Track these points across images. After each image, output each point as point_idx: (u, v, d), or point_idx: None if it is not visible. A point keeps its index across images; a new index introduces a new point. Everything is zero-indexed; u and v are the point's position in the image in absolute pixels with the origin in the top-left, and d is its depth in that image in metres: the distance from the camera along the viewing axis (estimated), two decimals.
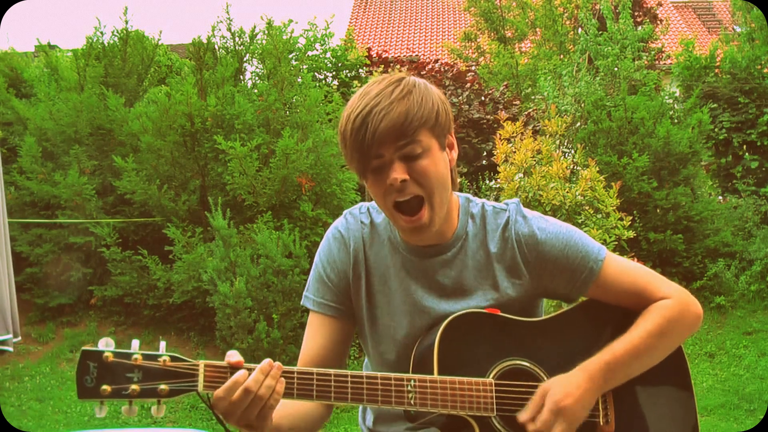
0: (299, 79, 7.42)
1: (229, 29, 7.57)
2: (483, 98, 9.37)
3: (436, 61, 10.64)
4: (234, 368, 1.24)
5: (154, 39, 8.34)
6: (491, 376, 1.39)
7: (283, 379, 1.26)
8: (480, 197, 1.59)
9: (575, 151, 6.93)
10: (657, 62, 11.30)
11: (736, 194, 9.34)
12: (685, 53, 10.48)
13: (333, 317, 1.54)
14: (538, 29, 13.56)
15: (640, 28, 10.74)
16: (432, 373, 1.36)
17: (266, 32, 7.33)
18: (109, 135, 7.29)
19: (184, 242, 6.46)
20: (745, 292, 7.54)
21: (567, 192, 5.62)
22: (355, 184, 6.75)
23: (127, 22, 7.81)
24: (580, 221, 5.55)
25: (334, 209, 6.65)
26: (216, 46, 7.58)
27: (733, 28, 13.96)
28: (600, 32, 10.15)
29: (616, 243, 5.53)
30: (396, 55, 14.91)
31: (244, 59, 7.70)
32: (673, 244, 7.62)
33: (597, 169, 5.98)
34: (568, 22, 13.16)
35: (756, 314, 7.32)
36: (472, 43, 14.53)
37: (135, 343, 1.24)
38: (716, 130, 9.50)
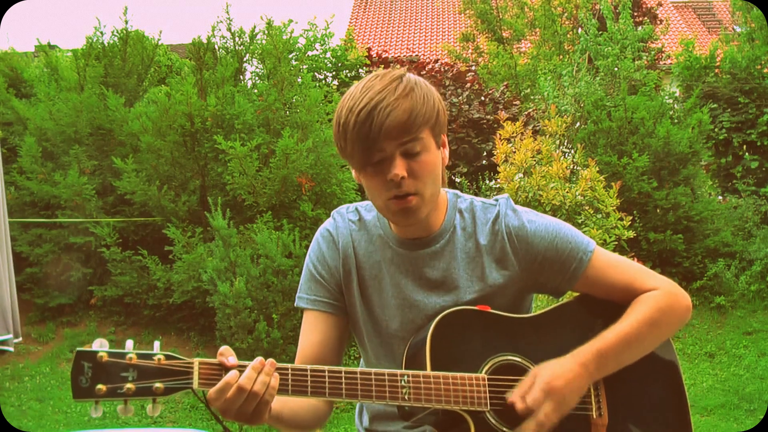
0: (299, 79, 7.42)
1: (229, 29, 7.57)
2: (483, 98, 9.37)
3: (436, 61, 10.64)
4: (228, 369, 1.25)
5: (154, 39, 8.35)
6: (483, 371, 1.40)
7: (277, 374, 1.27)
8: (480, 197, 1.60)
9: (575, 151, 6.93)
10: (657, 62, 11.29)
11: (736, 194, 9.34)
12: (685, 53, 10.47)
13: (328, 313, 1.55)
14: (536, 29, 13.56)
15: (640, 28, 10.74)
16: (424, 369, 1.37)
17: (266, 32, 7.34)
18: (109, 135, 7.30)
19: (184, 242, 6.46)
20: (745, 292, 7.54)
21: (567, 192, 5.62)
22: (355, 184, 6.75)
23: (127, 22, 7.82)
24: (580, 221, 5.55)
25: (333, 209, 6.64)
26: (216, 46, 7.59)
27: (733, 28, 13.96)
28: (600, 32, 10.15)
29: (616, 243, 5.52)
30: (396, 55, 14.92)
31: (244, 59, 7.70)
32: (673, 244, 7.62)
33: (597, 169, 5.98)
34: (567, 22, 13.16)
35: (756, 314, 7.32)
36: (471, 44, 14.54)
37: (129, 343, 1.25)
38: (716, 130, 9.50)
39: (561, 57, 11.88)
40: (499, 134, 6.09)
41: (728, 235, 8.00)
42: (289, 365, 1.30)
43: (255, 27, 7.61)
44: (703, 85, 9.80)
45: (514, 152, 5.80)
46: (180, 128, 6.66)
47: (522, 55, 13.39)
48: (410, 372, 1.35)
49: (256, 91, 7.41)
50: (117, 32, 7.87)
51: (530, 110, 9.08)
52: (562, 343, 1.45)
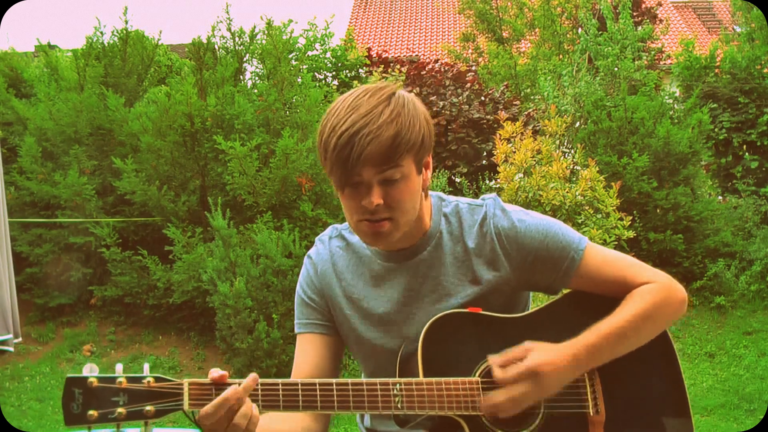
0: (299, 79, 7.42)
1: (229, 29, 7.57)
2: (483, 98, 9.37)
3: (436, 61, 10.64)
4: (218, 384, 1.25)
5: (154, 39, 8.34)
6: (477, 374, 1.39)
7: (250, 404, 1.26)
8: (466, 198, 1.59)
9: (575, 151, 6.93)
10: (657, 62, 11.30)
11: (736, 194, 9.34)
12: (685, 53, 10.47)
13: (320, 334, 1.56)
14: (536, 29, 13.57)
15: (639, 28, 10.74)
16: (417, 377, 1.36)
17: (266, 32, 7.33)
18: (109, 135, 7.29)
19: (184, 242, 6.46)
20: (745, 292, 7.54)
21: (567, 192, 5.62)
22: None
23: (127, 22, 7.81)
24: (580, 221, 5.55)
25: (334, 209, 6.65)
26: (216, 46, 7.58)
27: (733, 28, 13.97)
28: (600, 32, 10.16)
29: (616, 243, 5.53)
30: (396, 55, 14.92)
31: (244, 59, 7.69)
32: (673, 244, 7.62)
33: (597, 169, 5.98)
34: (566, 22, 13.16)
35: (756, 314, 7.32)
36: (471, 44, 14.54)
37: (119, 367, 1.25)
38: (716, 130, 9.50)
39: (561, 57, 11.89)
40: (499, 134, 6.09)
41: (728, 235, 8.00)
42: (279, 380, 1.29)
43: (255, 27, 7.60)
44: (703, 85, 9.80)
45: (514, 152, 5.80)
46: (180, 128, 6.66)
47: (522, 55, 13.39)
48: (402, 380, 1.35)
49: (256, 91, 7.41)
50: (117, 32, 7.86)
51: (530, 110, 9.08)
52: (556, 341, 1.44)
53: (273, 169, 6.45)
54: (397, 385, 1.33)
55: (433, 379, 1.35)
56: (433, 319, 1.41)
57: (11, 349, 3.89)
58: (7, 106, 7.68)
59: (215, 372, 1.26)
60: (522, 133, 6.04)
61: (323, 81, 9.99)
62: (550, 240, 1.47)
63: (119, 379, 1.22)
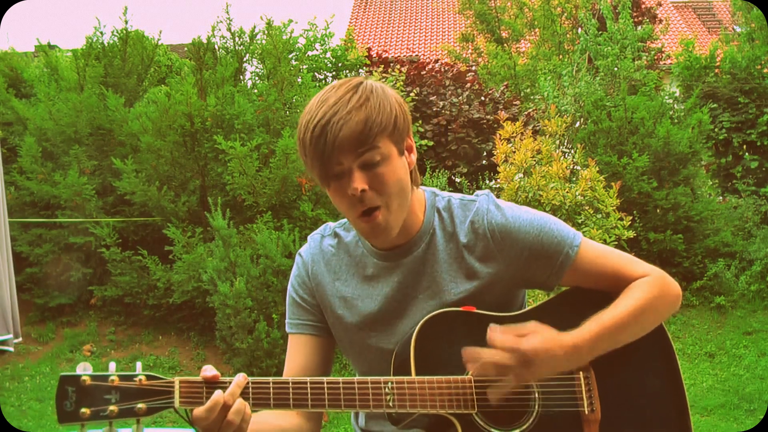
0: (299, 79, 7.42)
1: (229, 29, 7.57)
2: (483, 98, 9.37)
3: (436, 61, 10.64)
4: (210, 383, 1.26)
5: (154, 39, 8.34)
6: (470, 373, 1.38)
7: (245, 403, 1.27)
8: (459, 194, 1.58)
9: (575, 151, 6.93)
10: (657, 62, 11.29)
11: (736, 194, 9.34)
12: (685, 53, 10.47)
13: (311, 335, 1.56)
14: (536, 29, 13.57)
15: (639, 28, 10.74)
16: (410, 375, 1.36)
17: (266, 32, 7.33)
18: (109, 135, 7.30)
19: (184, 242, 6.46)
20: (745, 292, 7.54)
21: (567, 192, 5.62)
22: None
23: (126, 22, 7.82)
24: (580, 221, 5.55)
25: (334, 209, 6.65)
26: (216, 46, 7.58)
27: (733, 28, 13.97)
28: (600, 32, 10.15)
29: (616, 243, 5.52)
30: (396, 55, 14.92)
31: (244, 59, 7.70)
32: (673, 244, 7.62)
33: (597, 169, 5.98)
34: (566, 22, 13.16)
35: (756, 314, 7.32)
36: (470, 44, 14.54)
37: (112, 366, 1.26)
38: (716, 130, 9.50)
39: (561, 57, 11.89)
40: (499, 134, 6.09)
41: (728, 235, 8.00)
42: (270, 378, 1.29)
43: (255, 27, 7.61)
44: (703, 85, 9.80)
45: (514, 152, 5.80)
46: (180, 128, 6.66)
47: (521, 55, 13.39)
48: (394, 378, 1.34)
49: (256, 91, 7.41)
50: (117, 32, 7.87)
51: (530, 110, 9.08)
52: None
53: (273, 169, 6.45)
54: (389, 383, 1.33)
55: (425, 378, 1.35)
56: (427, 317, 1.40)
57: (11, 349, 3.89)
58: (7, 106, 7.68)
59: (208, 371, 1.27)
60: (522, 133, 6.04)
61: (323, 81, 9.99)
62: (545, 235, 1.46)
63: (111, 378, 1.23)
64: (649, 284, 1.46)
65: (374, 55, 10.92)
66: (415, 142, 1.95)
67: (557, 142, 6.97)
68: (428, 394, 1.34)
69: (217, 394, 1.24)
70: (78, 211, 6.91)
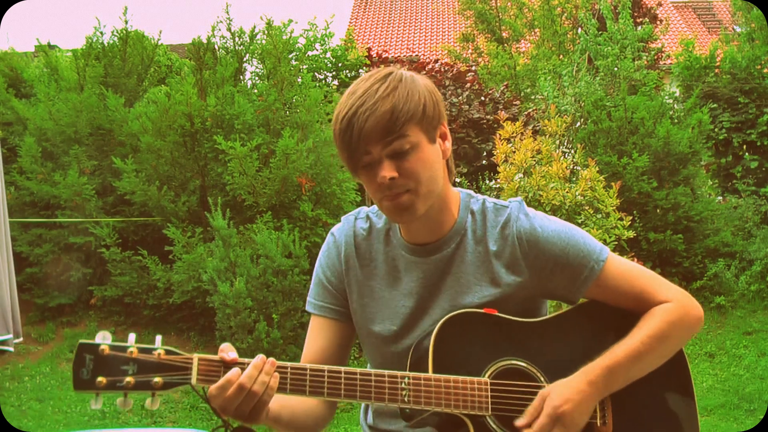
0: (299, 79, 7.42)
1: (229, 29, 7.57)
2: (483, 98, 9.37)
3: (436, 61, 10.64)
4: (228, 365, 1.26)
5: (154, 39, 8.35)
6: (487, 375, 1.38)
7: (277, 374, 1.28)
8: (492, 198, 1.59)
9: (575, 151, 6.92)
10: (657, 62, 11.29)
11: (736, 194, 9.34)
12: (685, 53, 10.47)
13: (333, 320, 1.56)
14: (536, 29, 13.56)
15: (639, 28, 10.73)
16: (426, 372, 1.36)
17: (266, 32, 7.33)
18: (109, 135, 7.30)
19: (184, 242, 6.46)
20: (745, 292, 7.54)
21: (567, 192, 5.62)
22: (354, 184, 6.75)
23: (126, 22, 7.82)
24: (580, 221, 5.55)
25: (334, 209, 6.66)
26: (216, 46, 7.58)
27: (733, 28, 13.96)
28: (600, 32, 10.15)
29: (616, 243, 5.53)
30: (396, 55, 14.93)
31: (244, 59, 7.70)
32: (673, 244, 7.62)
33: (597, 169, 5.98)
34: (566, 22, 13.16)
35: (756, 314, 7.32)
36: (470, 44, 14.54)
37: (131, 337, 1.26)
38: (716, 130, 9.50)
39: (561, 57, 11.89)
40: (499, 134, 6.09)
41: (728, 235, 8.00)
42: (288, 364, 1.30)
43: (255, 27, 7.61)
44: (703, 85, 9.80)
45: (514, 152, 5.80)
46: (180, 128, 6.66)
47: (521, 55, 13.39)
48: (411, 374, 1.34)
49: (256, 91, 7.41)
50: (117, 32, 7.87)
51: (530, 110, 9.08)
52: (568, 349, 1.44)
53: (273, 169, 6.45)
54: (406, 378, 1.33)
55: (442, 376, 1.35)
56: (448, 316, 1.40)
57: (11, 349, 3.88)
58: (7, 106, 7.68)
59: (227, 353, 1.27)
60: (522, 133, 6.04)
61: (323, 81, 10.00)
62: (571, 249, 1.45)
63: (130, 349, 1.23)
64: (669, 311, 1.45)
65: (374, 55, 10.93)
66: None
67: (557, 142, 6.96)
68: (444, 392, 1.34)
69: (232, 372, 1.25)
70: (78, 211, 6.91)
